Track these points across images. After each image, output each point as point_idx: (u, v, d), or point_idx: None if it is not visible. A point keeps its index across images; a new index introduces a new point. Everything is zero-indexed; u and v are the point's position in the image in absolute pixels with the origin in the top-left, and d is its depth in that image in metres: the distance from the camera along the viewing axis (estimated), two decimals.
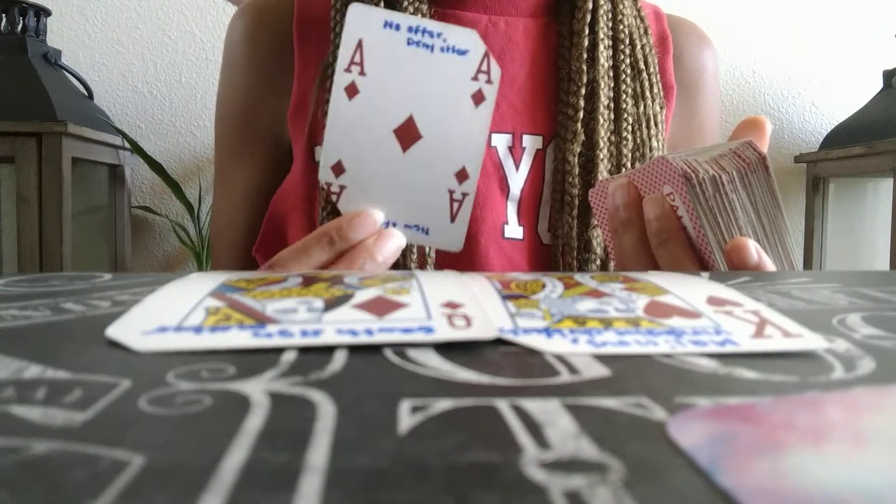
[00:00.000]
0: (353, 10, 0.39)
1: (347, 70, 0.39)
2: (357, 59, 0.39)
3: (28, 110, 1.39)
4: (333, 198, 0.41)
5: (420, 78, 0.39)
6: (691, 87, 0.62)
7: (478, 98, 0.39)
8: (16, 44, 1.49)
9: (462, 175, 0.40)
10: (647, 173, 0.41)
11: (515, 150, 0.55)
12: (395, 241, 0.40)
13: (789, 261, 0.41)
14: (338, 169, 0.40)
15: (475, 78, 0.39)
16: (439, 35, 0.39)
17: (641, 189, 0.41)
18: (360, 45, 0.39)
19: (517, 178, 0.54)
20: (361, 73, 0.39)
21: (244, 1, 0.62)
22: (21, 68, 1.47)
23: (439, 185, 0.40)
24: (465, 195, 0.41)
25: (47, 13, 1.58)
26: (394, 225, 0.41)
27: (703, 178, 0.38)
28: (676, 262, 0.40)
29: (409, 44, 0.39)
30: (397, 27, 0.39)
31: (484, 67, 0.39)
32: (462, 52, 0.39)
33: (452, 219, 0.41)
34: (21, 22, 1.51)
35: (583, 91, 0.54)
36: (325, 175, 0.40)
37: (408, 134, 0.40)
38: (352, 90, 0.39)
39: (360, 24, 0.39)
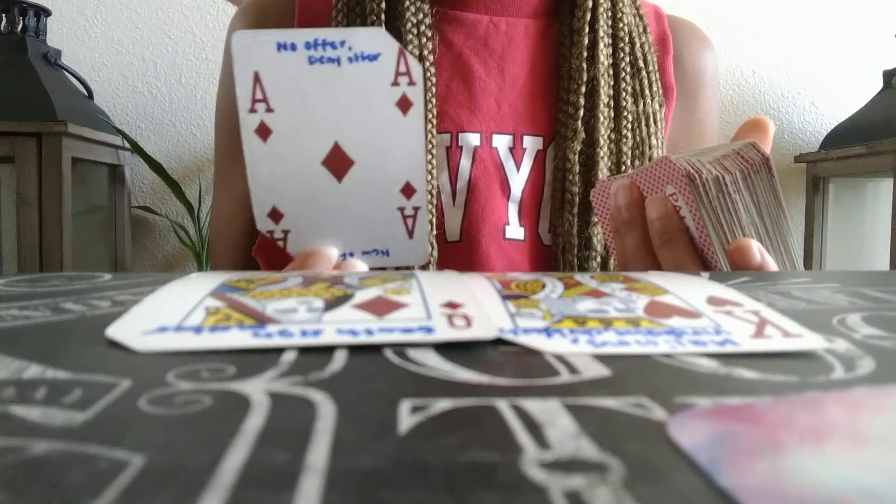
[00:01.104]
0: (238, 40, 0.34)
1: (252, 110, 0.35)
2: (259, 94, 0.35)
3: (28, 110, 1.39)
4: (280, 244, 0.38)
5: (335, 98, 0.35)
6: (691, 88, 0.62)
7: (404, 104, 0.36)
8: (16, 44, 1.49)
9: (408, 190, 0.37)
10: (649, 173, 0.41)
11: (516, 150, 0.55)
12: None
13: (792, 262, 0.41)
14: (275, 215, 0.37)
15: (395, 83, 0.35)
16: (342, 44, 0.35)
17: (644, 189, 0.41)
18: (256, 78, 0.35)
19: (518, 179, 0.54)
20: (268, 109, 0.35)
21: (244, 1, 0.62)
22: (21, 68, 1.47)
23: (387, 205, 0.37)
24: (416, 209, 0.37)
25: (47, 13, 1.58)
26: (351, 255, 0.38)
27: (706, 178, 0.38)
28: (679, 262, 0.39)
29: (311, 62, 0.35)
30: (293, 47, 0.34)
31: (402, 68, 0.35)
32: (373, 58, 0.35)
33: (410, 235, 0.38)
34: (21, 22, 1.51)
35: (583, 89, 0.54)
36: (263, 224, 0.37)
37: (338, 162, 0.36)
38: (263, 131, 0.35)
39: (250, 53, 0.34)
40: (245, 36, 0.34)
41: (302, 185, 0.37)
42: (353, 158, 0.36)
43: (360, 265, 0.38)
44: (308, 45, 0.34)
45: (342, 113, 0.36)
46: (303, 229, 0.38)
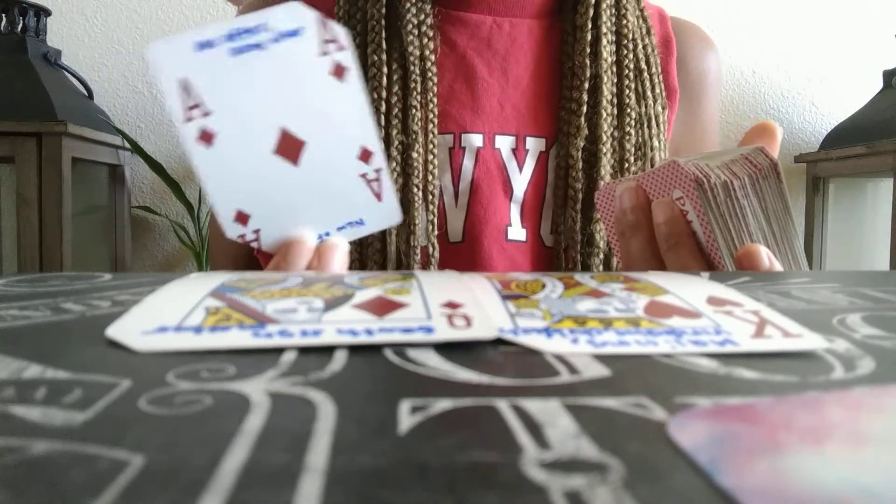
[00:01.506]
0: (154, 52, 0.33)
1: (188, 118, 0.34)
2: (191, 101, 0.34)
3: (28, 110, 1.39)
4: (254, 245, 0.37)
5: (269, 84, 0.34)
6: (695, 91, 0.62)
7: (338, 71, 0.35)
8: (16, 44, 1.49)
9: (365, 154, 0.37)
10: (656, 177, 0.40)
11: (519, 151, 0.55)
12: (338, 251, 0.38)
13: (799, 268, 0.41)
14: (242, 218, 0.36)
15: (324, 52, 0.34)
16: (261, 27, 0.34)
17: (650, 193, 0.41)
18: (184, 84, 0.33)
19: (520, 180, 0.54)
20: (205, 113, 0.34)
21: (244, 1, 0.62)
22: (21, 68, 1.47)
23: (348, 175, 0.37)
24: (378, 170, 0.37)
25: (47, 13, 1.58)
26: (328, 234, 0.38)
27: (714, 183, 0.38)
28: (685, 266, 0.39)
29: (234, 54, 0.34)
30: (212, 43, 0.33)
31: (327, 36, 0.34)
32: (295, 33, 0.34)
33: (378, 198, 0.38)
34: (21, 22, 1.51)
35: (586, 85, 0.54)
36: (231, 230, 0.36)
37: (290, 147, 0.35)
38: (206, 137, 0.34)
39: (171, 62, 0.33)
40: (160, 45, 0.33)
41: (260, 180, 0.36)
42: (302, 139, 0.36)
43: (341, 242, 0.38)
44: (227, 38, 0.33)
45: (280, 97, 0.35)
46: (273, 224, 0.37)
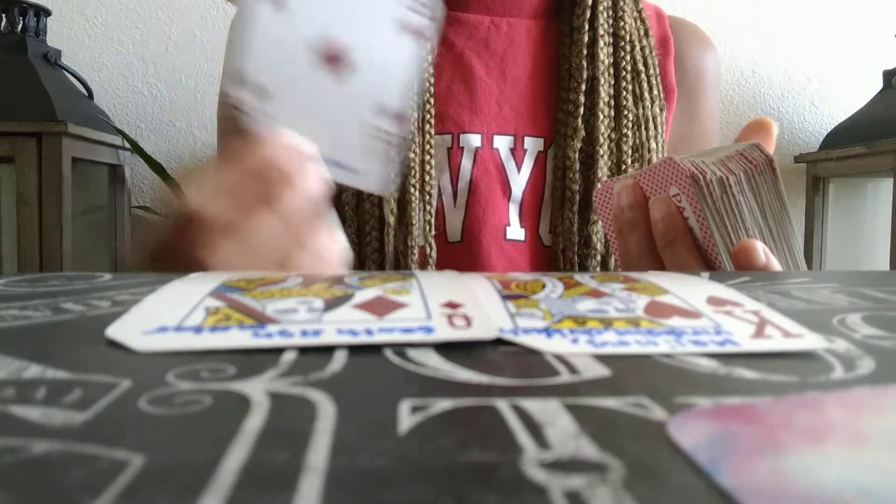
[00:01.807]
0: None
1: None
2: None
3: (28, 110, 1.38)
4: (253, 120, 0.35)
5: (358, 2, 0.35)
6: (693, 90, 0.62)
7: (417, 33, 0.36)
8: (16, 44, 1.49)
9: (396, 117, 0.37)
10: (653, 174, 0.40)
11: (517, 151, 0.55)
12: (313, 169, 0.35)
13: (796, 263, 0.41)
14: (262, 93, 0.35)
15: (417, 10, 0.36)
16: None
17: (647, 190, 0.41)
18: None
19: (519, 180, 0.54)
20: None
21: None
22: (21, 68, 1.46)
23: (370, 124, 0.37)
24: (396, 137, 0.37)
25: (47, 13, 1.58)
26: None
27: (710, 179, 0.38)
28: (682, 263, 0.39)
29: None
30: None
31: (427, 1, 0.36)
32: None
33: (381, 160, 0.37)
34: (21, 22, 1.51)
35: (583, 87, 0.54)
36: (243, 93, 0.34)
37: (341, 63, 0.36)
38: (279, 3, 0.34)
39: None
40: None
41: (296, 73, 0.35)
42: (354, 65, 0.36)
43: (321, 168, 0.36)
44: None
45: (359, 17, 0.35)
46: (285, 119, 0.36)
